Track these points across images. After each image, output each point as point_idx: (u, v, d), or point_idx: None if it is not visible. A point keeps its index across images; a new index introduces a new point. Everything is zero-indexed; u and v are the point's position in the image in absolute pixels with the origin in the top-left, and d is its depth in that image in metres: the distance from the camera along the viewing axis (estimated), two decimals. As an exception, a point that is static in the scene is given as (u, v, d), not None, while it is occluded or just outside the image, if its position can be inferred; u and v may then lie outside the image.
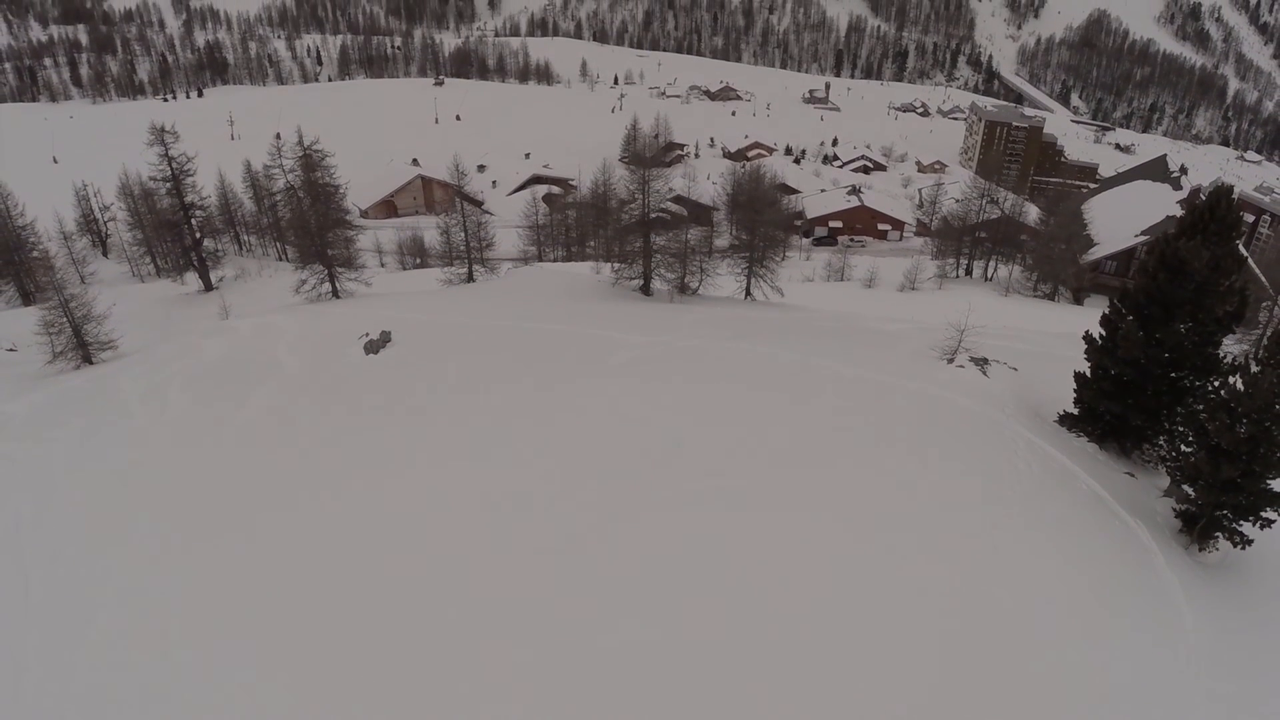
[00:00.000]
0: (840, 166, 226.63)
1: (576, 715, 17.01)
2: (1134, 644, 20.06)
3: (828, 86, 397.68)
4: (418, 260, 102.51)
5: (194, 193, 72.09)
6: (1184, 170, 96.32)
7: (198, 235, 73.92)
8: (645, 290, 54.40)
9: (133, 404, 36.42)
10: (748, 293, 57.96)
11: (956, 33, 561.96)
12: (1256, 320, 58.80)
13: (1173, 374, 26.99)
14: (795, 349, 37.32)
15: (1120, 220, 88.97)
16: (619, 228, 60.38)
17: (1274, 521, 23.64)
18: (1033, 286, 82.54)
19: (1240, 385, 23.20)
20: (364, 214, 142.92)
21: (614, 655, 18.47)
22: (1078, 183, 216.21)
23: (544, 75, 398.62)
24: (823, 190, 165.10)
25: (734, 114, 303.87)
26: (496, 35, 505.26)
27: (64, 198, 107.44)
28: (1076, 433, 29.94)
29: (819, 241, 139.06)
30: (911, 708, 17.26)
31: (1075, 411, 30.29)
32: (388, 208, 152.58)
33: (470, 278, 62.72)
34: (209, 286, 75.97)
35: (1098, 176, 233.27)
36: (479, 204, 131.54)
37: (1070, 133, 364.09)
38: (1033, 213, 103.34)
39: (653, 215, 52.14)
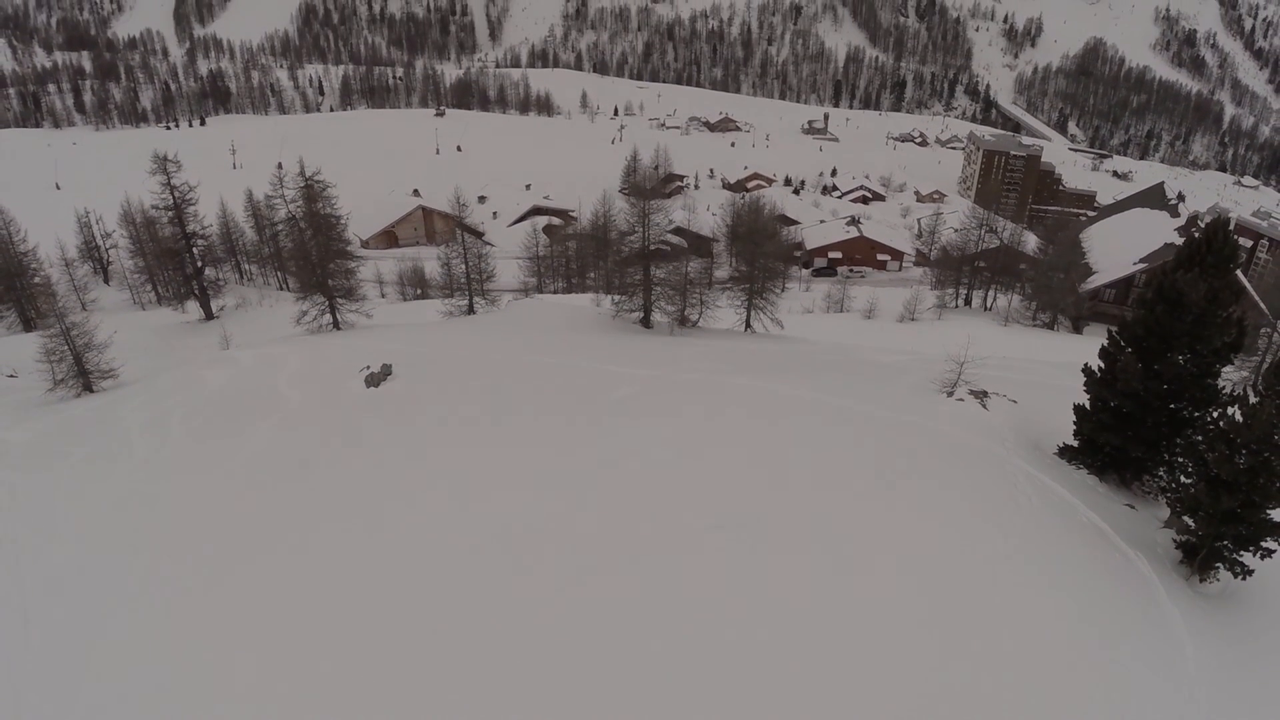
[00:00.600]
0: (839, 197, 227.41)
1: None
2: (1135, 675, 19.96)
3: (826, 117, 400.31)
4: (418, 291, 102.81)
5: (196, 222, 72.49)
6: (1181, 197, 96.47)
7: (199, 264, 74.23)
8: (645, 323, 54.58)
9: (134, 434, 36.47)
10: (748, 325, 58.15)
11: (954, 62, 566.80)
12: (1255, 346, 58.86)
13: (1172, 405, 27.01)
14: (795, 383, 37.36)
15: (1118, 248, 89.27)
16: (619, 259, 60.65)
17: (1274, 551, 23.54)
18: (1032, 316, 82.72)
19: (1239, 416, 23.23)
20: (365, 244, 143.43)
21: (613, 698, 18.40)
22: (1076, 210, 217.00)
23: (544, 106, 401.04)
24: (822, 221, 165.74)
25: (733, 145, 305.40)
26: (497, 66, 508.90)
27: (66, 224, 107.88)
28: (1076, 465, 29.93)
29: (818, 272, 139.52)
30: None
31: (1075, 444, 30.29)
32: (389, 238, 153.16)
33: (471, 309, 62.89)
34: (210, 315, 76.22)
35: (1096, 204, 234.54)
36: (480, 235, 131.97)
37: (1068, 161, 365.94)
38: (1031, 241, 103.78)
39: (653, 247, 52.38)
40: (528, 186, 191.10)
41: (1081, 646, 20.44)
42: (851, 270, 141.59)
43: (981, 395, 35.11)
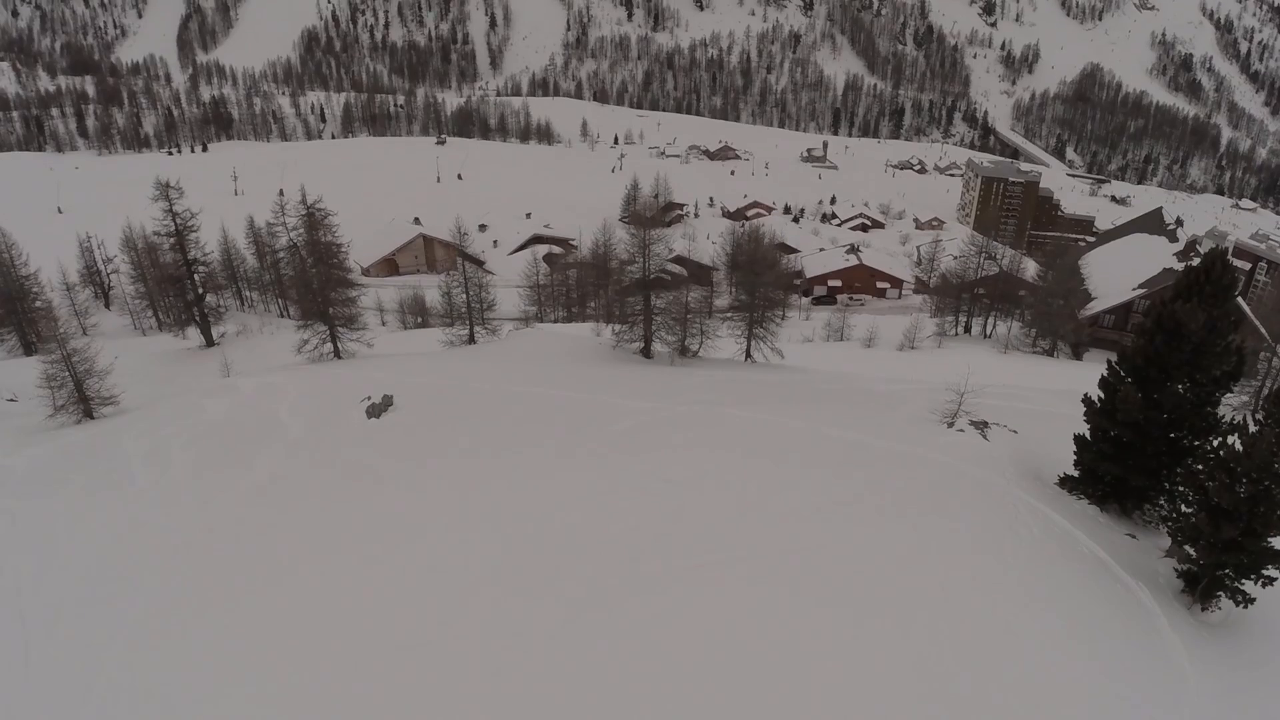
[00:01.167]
0: (839, 225, 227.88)
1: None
2: (1137, 706, 19.92)
3: (825, 145, 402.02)
4: (419, 319, 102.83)
5: (197, 248, 72.51)
6: (1180, 222, 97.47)
7: (200, 291, 74.27)
8: (646, 353, 54.64)
9: (134, 463, 36.40)
10: (748, 355, 58.15)
11: (952, 89, 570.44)
12: (1255, 369, 58.79)
13: (1172, 434, 27.08)
14: (796, 415, 37.43)
15: (1117, 274, 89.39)
16: (620, 288, 60.73)
17: (1276, 579, 23.55)
18: (1031, 342, 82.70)
19: (1239, 445, 23.27)
20: (365, 272, 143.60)
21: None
22: (1075, 236, 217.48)
23: (545, 135, 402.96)
24: (821, 249, 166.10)
25: (733, 173, 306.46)
26: (498, 95, 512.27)
27: (67, 248, 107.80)
28: (1077, 495, 29.95)
29: (818, 301, 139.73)
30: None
31: (1075, 474, 30.32)
32: (389, 266, 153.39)
33: (472, 339, 62.93)
34: (210, 342, 76.13)
35: (1094, 229, 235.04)
36: (480, 263, 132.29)
37: (1066, 186, 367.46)
38: (1031, 268, 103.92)
39: (653, 276, 52.51)
40: (528, 215, 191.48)
41: (1084, 677, 20.42)
42: (851, 298, 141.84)
43: (982, 425, 35.16)
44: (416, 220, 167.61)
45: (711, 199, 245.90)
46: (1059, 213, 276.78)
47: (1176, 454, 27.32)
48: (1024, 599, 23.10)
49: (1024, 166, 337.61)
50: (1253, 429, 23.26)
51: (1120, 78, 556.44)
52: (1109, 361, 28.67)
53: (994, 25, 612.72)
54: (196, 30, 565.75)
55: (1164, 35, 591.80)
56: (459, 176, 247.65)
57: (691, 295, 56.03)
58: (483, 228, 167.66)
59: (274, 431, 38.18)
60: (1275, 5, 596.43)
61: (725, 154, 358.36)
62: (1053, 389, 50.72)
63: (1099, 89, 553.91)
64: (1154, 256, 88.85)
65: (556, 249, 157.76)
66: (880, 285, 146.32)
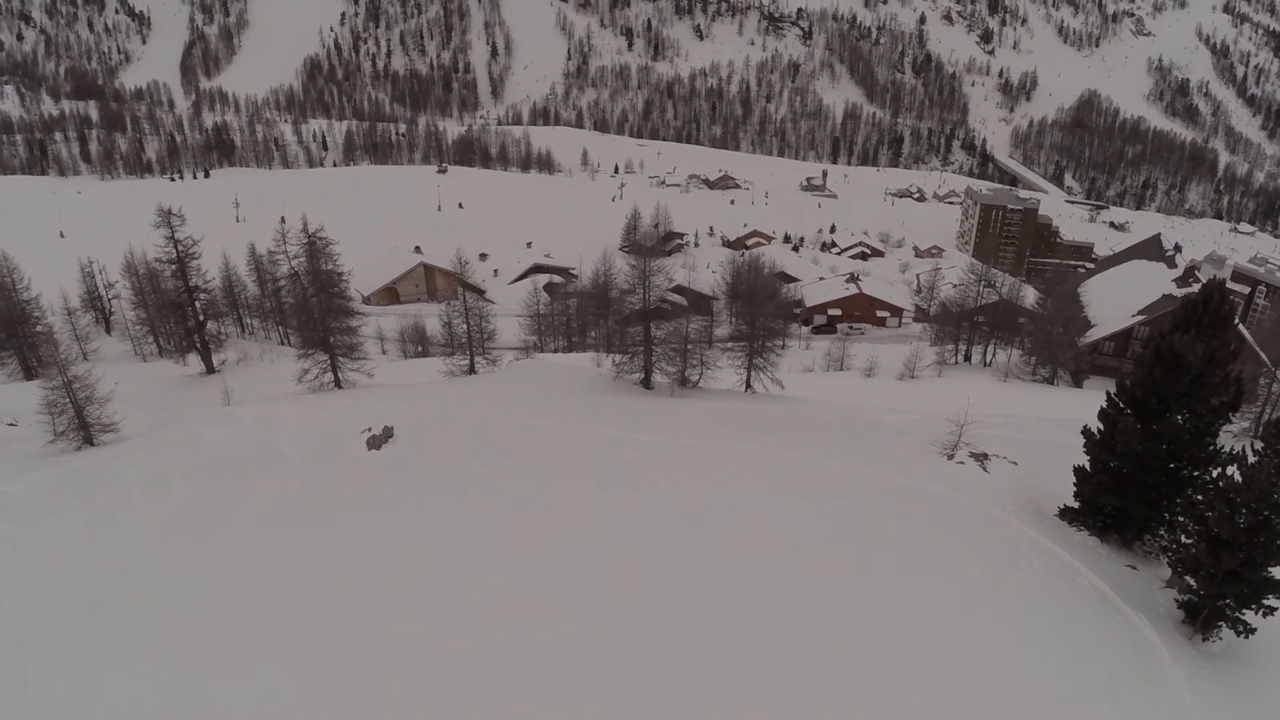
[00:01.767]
0: (839, 253, 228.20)
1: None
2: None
3: (825, 174, 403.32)
4: (419, 348, 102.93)
5: (198, 275, 72.66)
6: (1178, 248, 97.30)
7: (201, 318, 74.38)
8: (646, 384, 54.72)
9: (134, 492, 36.50)
10: (748, 385, 58.19)
11: (950, 117, 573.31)
12: (1255, 395, 58.76)
13: (1171, 464, 27.11)
14: (796, 447, 37.49)
15: (1117, 301, 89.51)
16: (620, 319, 60.83)
17: (1276, 609, 23.56)
18: (1031, 370, 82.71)
19: (1238, 475, 23.32)
20: (366, 300, 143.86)
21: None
22: (1074, 262, 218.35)
23: (545, 164, 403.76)
24: (821, 278, 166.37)
25: (733, 202, 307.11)
26: (499, 124, 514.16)
27: (69, 272, 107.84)
28: (1077, 526, 29.94)
29: (818, 330, 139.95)
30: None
31: (1075, 505, 30.32)
32: (390, 294, 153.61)
33: (472, 369, 62.98)
34: (211, 369, 76.20)
35: (1094, 255, 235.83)
36: (481, 292, 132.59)
37: (1065, 213, 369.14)
38: (1030, 295, 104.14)
39: (653, 306, 52.65)
40: (529, 244, 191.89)
41: (1086, 709, 20.38)
42: (851, 327, 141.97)
43: (982, 457, 35.19)
44: (417, 249, 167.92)
45: (711, 228, 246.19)
46: (1058, 239, 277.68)
47: (1176, 485, 27.34)
48: (1024, 633, 23.08)
49: (1023, 193, 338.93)
50: (1252, 459, 23.30)
51: (1118, 104, 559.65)
52: (1108, 393, 28.73)
53: (992, 53, 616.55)
54: (200, 57, 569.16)
55: (1161, 61, 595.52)
56: (460, 205, 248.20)
57: (692, 325, 56.12)
58: (483, 257, 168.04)
59: (274, 462, 38.21)
60: (1271, 30, 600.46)
61: (725, 183, 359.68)
62: (1053, 418, 50.65)
63: (1097, 115, 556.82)
64: (1153, 283, 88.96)
65: (557, 278, 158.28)
66: (880, 314, 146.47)
